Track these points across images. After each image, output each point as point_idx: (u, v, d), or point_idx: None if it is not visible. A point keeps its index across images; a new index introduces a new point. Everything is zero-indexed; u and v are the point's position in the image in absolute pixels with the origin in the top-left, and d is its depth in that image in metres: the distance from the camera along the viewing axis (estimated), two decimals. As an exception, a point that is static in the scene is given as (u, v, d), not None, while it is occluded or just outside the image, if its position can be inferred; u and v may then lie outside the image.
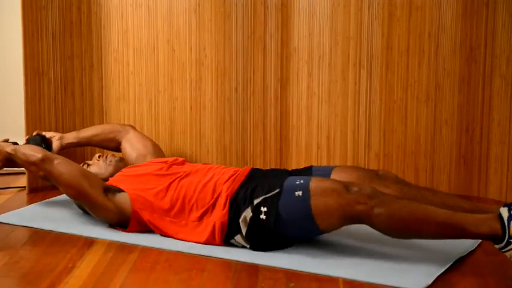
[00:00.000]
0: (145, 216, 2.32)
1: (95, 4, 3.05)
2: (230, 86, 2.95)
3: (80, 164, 2.65)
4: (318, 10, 2.77)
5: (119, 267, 2.09)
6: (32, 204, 2.76)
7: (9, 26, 3.26)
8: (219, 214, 2.22)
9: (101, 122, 3.13)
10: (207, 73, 2.95)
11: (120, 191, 2.35)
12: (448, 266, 2.07)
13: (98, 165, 2.64)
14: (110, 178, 2.50)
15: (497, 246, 1.97)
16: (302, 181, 2.13)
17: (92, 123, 3.11)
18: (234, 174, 2.33)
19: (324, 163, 2.89)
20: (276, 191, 2.15)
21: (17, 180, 3.15)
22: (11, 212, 2.65)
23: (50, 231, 2.42)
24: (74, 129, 3.12)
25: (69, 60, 3.08)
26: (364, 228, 2.47)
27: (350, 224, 2.10)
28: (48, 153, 2.43)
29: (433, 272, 2.01)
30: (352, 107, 2.78)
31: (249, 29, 2.89)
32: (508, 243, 1.94)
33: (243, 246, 2.22)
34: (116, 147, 2.81)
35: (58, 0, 3.03)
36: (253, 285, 1.96)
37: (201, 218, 2.27)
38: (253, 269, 2.07)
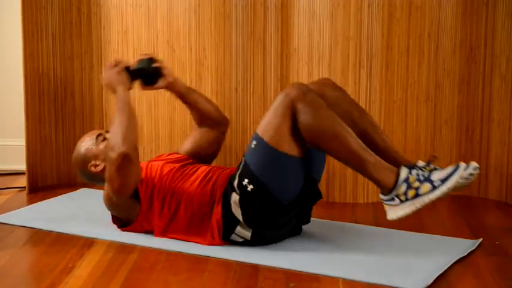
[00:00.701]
0: (146, 226, 2.35)
1: (95, 4, 3.05)
2: (230, 86, 2.95)
3: (97, 133, 2.48)
4: (317, 10, 2.77)
5: (119, 267, 2.09)
6: (32, 205, 2.76)
7: (9, 26, 3.26)
8: (215, 212, 2.23)
9: (101, 123, 3.13)
10: (207, 73, 2.95)
11: (138, 198, 2.32)
12: (448, 266, 2.07)
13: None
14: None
15: (381, 195, 2.12)
16: (253, 135, 2.20)
17: (91, 124, 3.11)
18: (230, 173, 2.34)
19: (324, 163, 2.89)
20: (242, 162, 2.21)
21: (16, 180, 3.15)
22: (10, 212, 2.65)
23: (50, 232, 2.42)
24: (74, 130, 3.13)
25: (69, 61, 3.08)
26: (364, 228, 2.47)
27: (295, 126, 2.13)
28: (130, 153, 2.21)
29: (433, 272, 2.01)
30: (352, 107, 2.78)
31: (249, 29, 2.89)
32: (391, 199, 2.09)
33: (245, 241, 2.22)
34: (207, 128, 2.57)
35: (58, 1, 3.03)
36: (253, 286, 1.96)
37: (202, 220, 2.27)
38: (253, 269, 2.08)
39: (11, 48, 3.27)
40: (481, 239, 2.32)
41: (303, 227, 2.40)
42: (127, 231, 2.37)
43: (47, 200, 2.83)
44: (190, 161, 2.51)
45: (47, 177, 3.08)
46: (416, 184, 2.06)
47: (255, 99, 2.93)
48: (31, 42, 2.98)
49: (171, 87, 2.50)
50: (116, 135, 2.22)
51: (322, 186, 2.85)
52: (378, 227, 2.48)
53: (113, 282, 1.98)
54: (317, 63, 2.80)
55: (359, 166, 2.12)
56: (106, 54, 3.07)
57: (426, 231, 2.44)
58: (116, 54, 3.05)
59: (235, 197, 2.20)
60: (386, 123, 2.83)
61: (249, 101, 2.94)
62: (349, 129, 2.13)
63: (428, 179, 2.06)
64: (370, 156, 2.11)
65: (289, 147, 2.15)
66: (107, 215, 2.59)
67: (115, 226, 2.43)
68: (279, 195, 2.16)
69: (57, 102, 3.08)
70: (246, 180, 2.18)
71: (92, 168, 2.43)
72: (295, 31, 2.83)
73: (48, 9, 3.02)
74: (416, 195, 2.05)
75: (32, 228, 2.46)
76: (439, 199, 2.05)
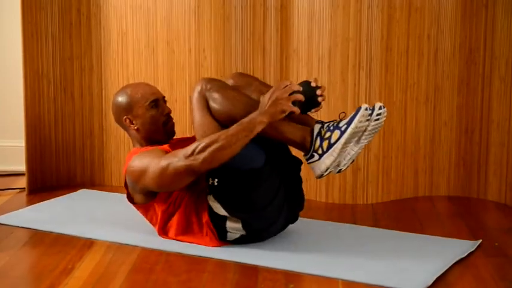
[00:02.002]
0: (151, 216, 2.34)
1: (94, 5, 3.05)
2: (230, 88, 2.95)
3: (154, 97, 2.40)
4: (317, 12, 2.77)
5: (119, 268, 2.09)
6: (32, 206, 2.76)
7: (9, 27, 3.26)
8: (204, 215, 2.25)
9: (101, 124, 3.12)
10: (207, 74, 2.95)
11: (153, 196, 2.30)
12: (447, 267, 2.07)
13: (159, 120, 2.40)
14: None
15: (304, 157, 2.19)
16: None
17: (91, 125, 3.11)
18: None
19: (324, 164, 2.89)
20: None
21: (16, 181, 3.15)
22: (10, 213, 2.65)
23: (50, 233, 2.42)
24: (74, 131, 3.13)
25: (69, 62, 3.08)
26: (363, 229, 2.47)
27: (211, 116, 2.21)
28: (200, 173, 2.16)
29: (433, 272, 2.01)
30: (351, 108, 2.78)
31: (249, 30, 2.89)
32: (311, 156, 2.16)
33: (241, 236, 2.23)
34: None
35: (58, 2, 3.03)
36: (252, 287, 1.96)
37: (199, 223, 2.28)
38: (253, 270, 2.08)
39: (11, 49, 3.27)
40: (480, 240, 2.32)
41: (303, 227, 2.40)
42: (137, 209, 2.36)
43: (47, 201, 2.83)
44: None
45: (47, 178, 3.08)
46: (328, 134, 2.14)
47: (255, 100, 2.93)
48: (31, 43, 2.98)
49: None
50: (208, 148, 2.11)
51: (321, 186, 2.85)
52: (377, 228, 2.48)
53: (112, 283, 1.98)
54: (316, 65, 2.80)
55: (276, 134, 2.19)
56: (105, 55, 3.07)
57: (425, 232, 2.44)
58: (115, 55, 3.05)
59: (210, 198, 2.21)
60: (386, 124, 2.81)
61: (248, 102, 2.94)
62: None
63: (336, 127, 2.13)
64: (284, 123, 2.18)
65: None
66: (107, 215, 2.60)
67: (115, 226, 2.43)
68: (244, 166, 2.16)
69: (56, 103, 3.08)
70: (210, 179, 2.19)
71: (127, 121, 2.39)
72: (294, 32, 2.83)
73: (48, 10, 3.03)
74: (330, 145, 2.13)
75: (32, 229, 2.46)
76: (349, 142, 2.11)
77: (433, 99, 2.88)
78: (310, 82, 2.19)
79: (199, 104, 2.23)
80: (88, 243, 2.31)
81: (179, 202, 2.29)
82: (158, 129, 2.39)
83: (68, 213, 2.64)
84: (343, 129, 2.11)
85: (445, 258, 2.13)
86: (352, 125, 2.10)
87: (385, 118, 2.15)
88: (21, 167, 3.05)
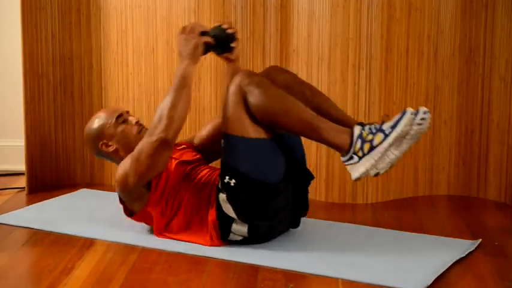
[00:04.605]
0: (148, 220, 2.35)
1: (94, 5, 3.05)
2: (229, 87, 2.95)
3: (118, 113, 2.40)
4: (317, 11, 2.77)
5: (118, 268, 2.09)
6: (31, 205, 2.76)
7: (9, 27, 3.27)
8: (210, 214, 2.24)
9: (100, 123, 3.13)
10: (207, 74, 2.95)
11: (149, 189, 2.29)
12: (447, 266, 2.07)
13: (131, 131, 2.39)
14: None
15: (342, 158, 2.15)
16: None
17: (91, 124, 3.11)
18: None
19: (324, 163, 2.89)
20: (221, 163, 2.23)
21: (16, 181, 3.15)
22: (10, 212, 2.65)
23: (49, 232, 2.42)
24: (73, 131, 3.13)
25: (69, 61, 3.08)
26: (363, 229, 2.47)
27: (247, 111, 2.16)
28: (171, 141, 2.17)
29: (433, 272, 2.01)
30: (351, 108, 2.78)
31: (249, 30, 2.89)
32: (350, 158, 2.12)
33: (244, 238, 2.23)
34: None
35: (57, 2, 3.03)
36: (252, 286, 1.96)
37: (200, 222, 2.27)
38: (253, 270, 2.08)
39: (11, 48, 3.27)
40: (480, 240, 2.32)
41: (303, 227, 2.40)
42: (137, 221, 2.36)
43: (47, 200, 2.83)
44: (201, 162, 2.48)
45: (47, 178, 3.08)
46: (370, 137, 2.10)
47: (255, 100, 2.93)
48: (30, 43, 2.98)
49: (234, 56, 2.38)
50: (162, 116, 2.15)
51: (321, 186, 2.85)
52: (377, 228, 2.48)
53: (112, 283, 1.98)
54: (316, 64, 2.80)
55: (315, 134, 2.15)
56: (105, 55, 3.07)
57: (425, 231, 2.44)
58: (115, 55, 3.05)
59: (222, 196, 2.20)
60: (385, 124, 2.82)
61: (248, 101, 2.94)
62: (299, 102, 2.17)
63: (380, 129, 2.10)
64: (323, 123, 2.15)
65: (254, 132, 2.17)
66: (107, 215, 2.60)
67: (115, 226, 2.43)
68: (264, 178, 2.16)
69: (56, 102, 3.08)
70: (227, 177, 2.18)
71: (103, 147, 2.39)
72: (294, 32, 2.83)
73: (48, 9, 3.03)
74: (372, 148, 2.08)
75: (31, 228, 2.46)
76: (392, 146, 2.07)
77: (433, 99, 2.88)
78: (220, 25, 2.22)
79: (234, 97, 2.17)
80: (88, 243, 2.31)
81: (178, 203, 2.29)
82: (134, 140, 2.35)
83: (67, 213, 2.64)
84: (387, 132, 2.07)
85: (445, 258, 2.13)
86: (398, 129, 2.05)
87: (428, 124, 2.08)
88: (21, 166, 3.05)
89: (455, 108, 2.89)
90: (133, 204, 2.33)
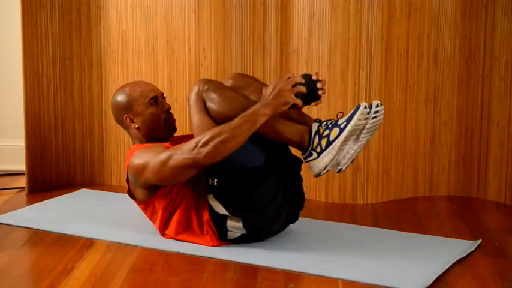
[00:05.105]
0: (151, 214, 2.34)
1: (94, 5, 3.05)
2: (229, 87, 2.95)
3: (153, 94, 2.38)
4: (317, 12, 2.77)
5: (118, 268, 2.09)
6: (31, 205, 2.76)
7: (9, 26, 3.27)
8: (204, 214, 2.25)
9: (101, 123, 3.12)
10: (207, 74, 2.95)
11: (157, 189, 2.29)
12: (447, 267, 2.07)
13: (160, 117, 2.37)
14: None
15: (302, 156, 2.21)
16: None
17: (91, 124, 3.11)
18: None
19: (323, 164, 2.89)
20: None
21: (16, 181, 3.15)
22: (10, 212, 2.65)
23: (49, 232, 2.42)
24: (73, 130, 3.13)
25: (69, 61, 3.08)
26: (363, 229, 2.47)
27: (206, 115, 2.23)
28: (205, 166, 2.15)
29: (433, 273, 2.01)
30: (351, 108, 2.78)
31: (249, 30, 2.89)
32: (309, 155, 2.17)
33: (242, 235, 2.22)
34: None
35: (57, 1, 3.03)
36: (252, 286, 1.96)
37: (199, 223, 2.27)
38: (253, 270, 2.08)
39: (11, 48, 3.28)
40: (480, 240, 2.32)
41: (303, 227, 2.40)
42: (138, 205, 2.34)
43: (47, 200, 2.83)
44: None
45: (47, 178, 3.08)
46: (326, 132, 2.15)
47: (255, 100, 2.93)
48: (31, 43, 2.98)
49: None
50: (213, 140, 2.10)
51: (321, 186, 2.85)
52: (377, 228, 2.48)
53: (112, 283, 1.98)
54: (316, 64, 2.80)
55: (274, 135, 2.20)
56: (105, 55, 3.07)
57: (425, 232, 2.44)
58: (115, 55, 3.05)
59: (210, 197, 2.21)
60: (385, 124, 2.83)
61: (248, 101, 2.94)
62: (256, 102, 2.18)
63: (335, 125, 2.14)
64: (282, 123, 2.20)
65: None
66: (107, 215, 2.60)
67: (115, 226, 2.43)
68: (244, 164, 2.17)
69: (56, 102, 3.08)
70: (210, 179, 2.19)
71: (127, 120, 2.37)
72: (294, 32, 2.83)
73: (48, 9, 3.02)
74: (329, 143, 2.13)
75: (32, 228, 2.46)
76: (348, 140, 2.12)
77: (433, 99, 2.88)
78: (311, 75, 2.19)
79: (197, 104, 2.23)
80: (88, 243, 2.31)
81: (180, 200, 2.29)
82: (159, 126, 2.38)
83: (67, 213, 2.64)
84: (342, 126, 2.12)
85: (445, 258, 2.13)
86: (352, 123, 2.10)
87: (382, 116, 2.15)
88: (21, 166, 3.05)
89: (455, 108, 2.89)
90: (136, 190, 2.32)
